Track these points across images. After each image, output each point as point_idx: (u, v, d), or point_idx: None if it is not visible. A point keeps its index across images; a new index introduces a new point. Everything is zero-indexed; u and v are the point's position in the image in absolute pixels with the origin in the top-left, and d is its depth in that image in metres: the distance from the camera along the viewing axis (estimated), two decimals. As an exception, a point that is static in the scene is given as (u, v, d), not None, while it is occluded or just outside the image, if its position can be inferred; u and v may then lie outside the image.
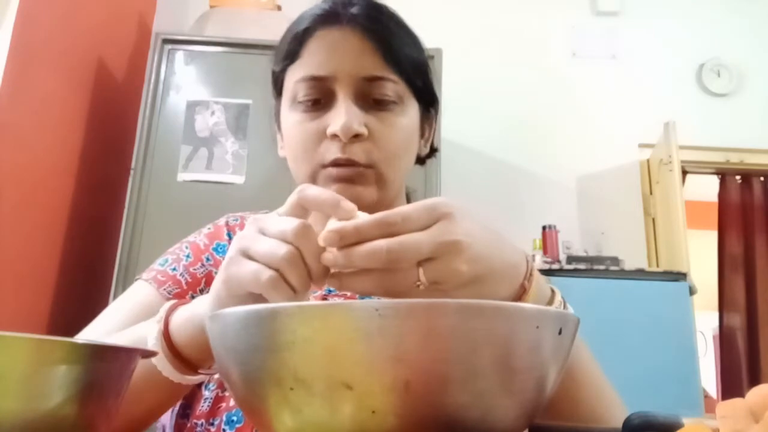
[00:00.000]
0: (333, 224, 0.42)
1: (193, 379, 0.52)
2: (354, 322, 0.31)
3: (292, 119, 0.67)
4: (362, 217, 0.42)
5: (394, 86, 0.66)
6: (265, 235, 0.44)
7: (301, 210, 0.45)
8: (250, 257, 0.43)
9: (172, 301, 0.53)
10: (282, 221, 0.43)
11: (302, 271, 0.42)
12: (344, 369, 0.31)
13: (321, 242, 0.42)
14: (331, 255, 0.41)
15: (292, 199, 0.46)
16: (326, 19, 0.66)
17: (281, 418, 0.33)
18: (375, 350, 0.31)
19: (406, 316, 0.31)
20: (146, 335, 0.51)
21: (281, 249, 0.42)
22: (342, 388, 0.31)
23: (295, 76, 0.66)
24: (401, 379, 0.31)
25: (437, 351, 0.31)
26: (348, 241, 0.41)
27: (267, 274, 0.42)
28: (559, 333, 0.34)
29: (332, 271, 0.43)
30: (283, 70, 0.69)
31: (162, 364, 0.49)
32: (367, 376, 0.31)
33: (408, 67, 0.67)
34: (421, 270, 0.41)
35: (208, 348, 0.48)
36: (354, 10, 0.66)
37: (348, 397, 0.31)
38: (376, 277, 0.41)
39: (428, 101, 0.73)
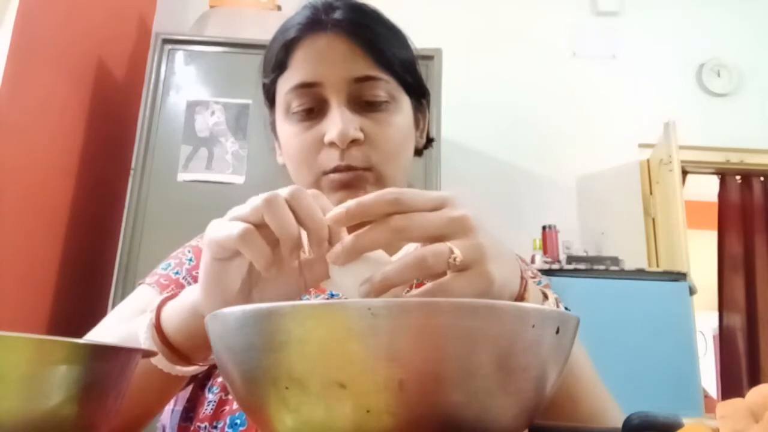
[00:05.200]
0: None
1: (187, 370, 0.51)
2: (346, 322, 0.31)
3: (289, 131, 0.67)
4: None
5: (385, 85, 0.66)
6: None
7: None
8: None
9: (165, 295, 0.53)
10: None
11: (284, 217, 0.41)
12: (337, 368, 0.31)
13: (329, 222, 0.41)
14: (340, 245, 0.40)
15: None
16: (311, 26, 0.66)
17: (279, 418, 0.33)
18: (367, 349, 0.31)
19: (399, 315, 0.31)
20: (138, 329, 0.50)
21: (258, 199, 0.41)
22: (336, 387, 0.31)
23: (285, 87, 0.66)
24: (394, 378, 0.30)
25: (430, 350, 0.31)
26: (354, 215, 0.40)
27: (239, 226, 0.41)
28: (557, 332, 0.34)
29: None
30: (274, 82, 0.69)
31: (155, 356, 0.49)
32: (360, 375, 0.31)
33: (397, 65, 0.67)
34: (451, 244, 0.40)
35: (199, 337, 0.48)
36: (337, 15, 0.66)
37: (342, 396, 0.31)
38: (410, 259, 0.39)
39: (419, 94, 0.73)
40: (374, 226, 0.40)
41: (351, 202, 0.40)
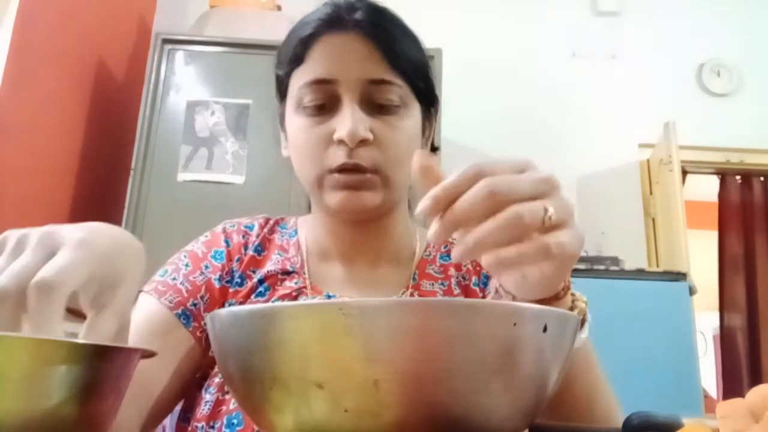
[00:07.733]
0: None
1: None
2: (321, 323, 0.31)
3: (298, 124, 0.67)
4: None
5: (398, 90, 0.66)
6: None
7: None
8: None
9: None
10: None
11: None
12: (315, 369, 0.32)
13: (420, 215, 0.40)
14: (437, 223, 0.39)
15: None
16: (331, 24, 0.66)
17: (272, 417, 0.34)
18: (342, 350, 0.31)
19: (372, 316, 0.31)
20: None
21: None
22: (314, 388, 0.31)
23: (300, 81, 0.66)
24: (370, 378, 0.31)
25: (405, 350, 0.31)
26: (442, 201, 0.39)
27: None
28: (545, 330, 0.34)
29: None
30: (288, 74, 0.69)
31: None
32: (337, 375, 0.31)
33: (411, 71, 0.67)
34: (545, 202, 0.41)
35: None
36: (358, 15, 0.66)
37: (320, 396, 0.31)
38: (507, 216, 0.39)
39: (429, 101, 0.73)
40: (468, 192, 0.39)
41: (436, 190, 0.39)
